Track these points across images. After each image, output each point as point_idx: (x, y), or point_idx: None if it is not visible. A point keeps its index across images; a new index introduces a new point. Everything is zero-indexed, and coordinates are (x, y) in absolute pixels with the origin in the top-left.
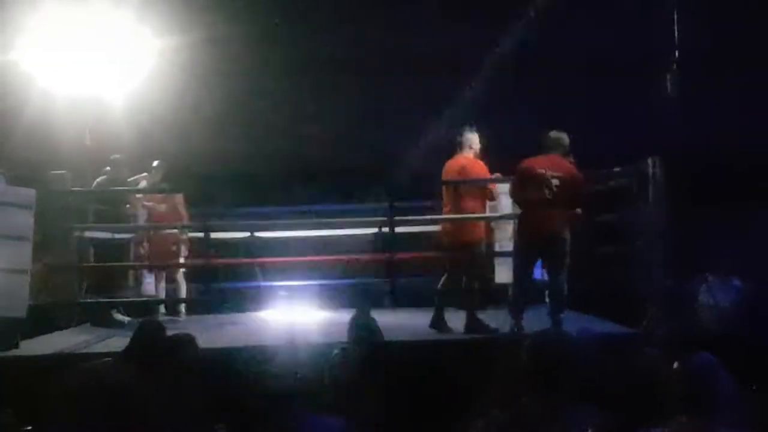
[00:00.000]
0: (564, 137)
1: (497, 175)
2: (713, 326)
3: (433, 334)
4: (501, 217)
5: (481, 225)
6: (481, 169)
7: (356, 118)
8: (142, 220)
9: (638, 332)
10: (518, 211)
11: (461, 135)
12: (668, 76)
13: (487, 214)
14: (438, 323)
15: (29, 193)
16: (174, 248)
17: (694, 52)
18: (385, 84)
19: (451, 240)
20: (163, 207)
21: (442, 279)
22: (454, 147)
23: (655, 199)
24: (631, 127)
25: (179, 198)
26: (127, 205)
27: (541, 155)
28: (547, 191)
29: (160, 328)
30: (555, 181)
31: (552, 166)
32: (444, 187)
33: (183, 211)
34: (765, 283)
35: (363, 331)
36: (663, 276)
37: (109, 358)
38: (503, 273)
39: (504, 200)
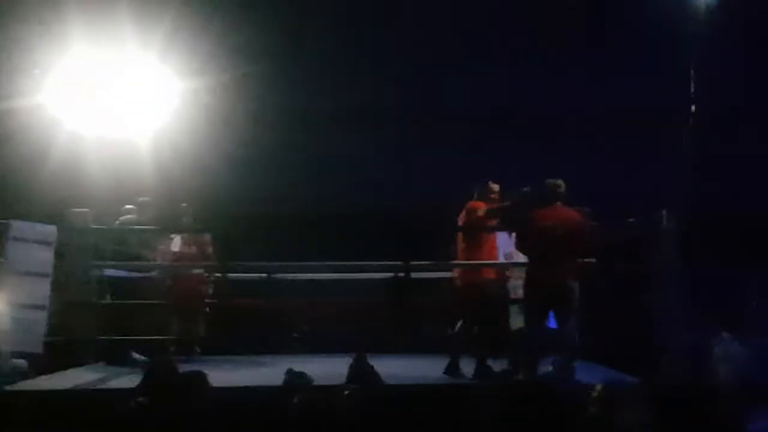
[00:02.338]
0: (560, 184)
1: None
2: (729, 380)
3: (432, 379)
4: (515, 265)
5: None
6: (478, 208)
7: (382, 165)
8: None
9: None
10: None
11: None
12: (684, 131)
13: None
14: (452, 370)
15: (50, 230)
16: (203, 288)
17: (710, 108)
18: (415, 132)
19: (460, 283)
20: (192, 248)
21: (457, 325)
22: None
23: (668, 251)
24: (646, 180)
25: (206, 238)
26: (160, 247)
27: (545, 206)
28: (549, 242)
29: (172, 367)
30: (558, 231)
31: (554, 216)
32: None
33: (210, 252)
34: None
35: (359, 376)
36: (677, 328)
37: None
38: (517, 319)
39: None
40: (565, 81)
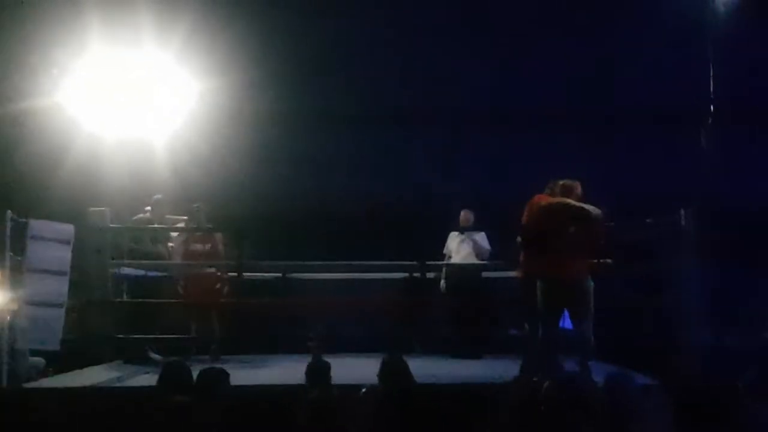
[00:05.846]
0: (577, 185)
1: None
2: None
3: (459, 378)
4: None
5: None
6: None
7: (401, 165)
8: (179, 260)
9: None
10: None
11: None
12: (702, 129)
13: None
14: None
15: (68, 229)
16: (217, 286)
17: (729, 105)
18: (435, 133)
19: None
20: (207, 247)
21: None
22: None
23: (686, 250)
24: (664, 178)
25: (219, 237)
26: (170, 245)
27: None
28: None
29: (185, 369)
30: (572, 229)
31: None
32: None
33: (222, 250)
34: None
35: (393, 373)
36: (695, 328)
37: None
38: None
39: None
40: (582, 78)
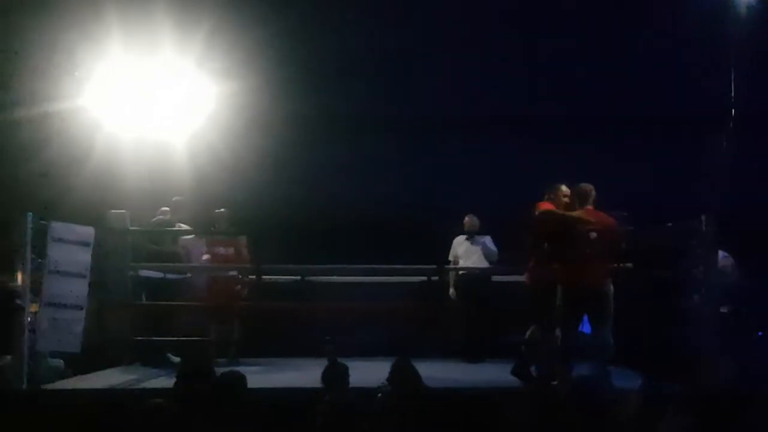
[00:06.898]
0: (592, 189)
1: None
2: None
3: (470, 383)
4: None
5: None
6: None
7: (418, 170)
8: (198, 261)
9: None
10: None
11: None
12: (723, 135)
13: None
14: (523, 372)
15: (88, 232)
16: (239, 289)
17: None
18: (453, 137)
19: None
20: (230, 250)
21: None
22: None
23: (708, 255)
24: (684, 185)
25: (243, 241)
26: (182, 247)
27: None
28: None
29: (207, 367)
30: (593, 234)
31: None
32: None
33: (246, 254)
34: None
35: (402, 378)
36: (718, 333)
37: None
38: None
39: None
40: (604, 83)
